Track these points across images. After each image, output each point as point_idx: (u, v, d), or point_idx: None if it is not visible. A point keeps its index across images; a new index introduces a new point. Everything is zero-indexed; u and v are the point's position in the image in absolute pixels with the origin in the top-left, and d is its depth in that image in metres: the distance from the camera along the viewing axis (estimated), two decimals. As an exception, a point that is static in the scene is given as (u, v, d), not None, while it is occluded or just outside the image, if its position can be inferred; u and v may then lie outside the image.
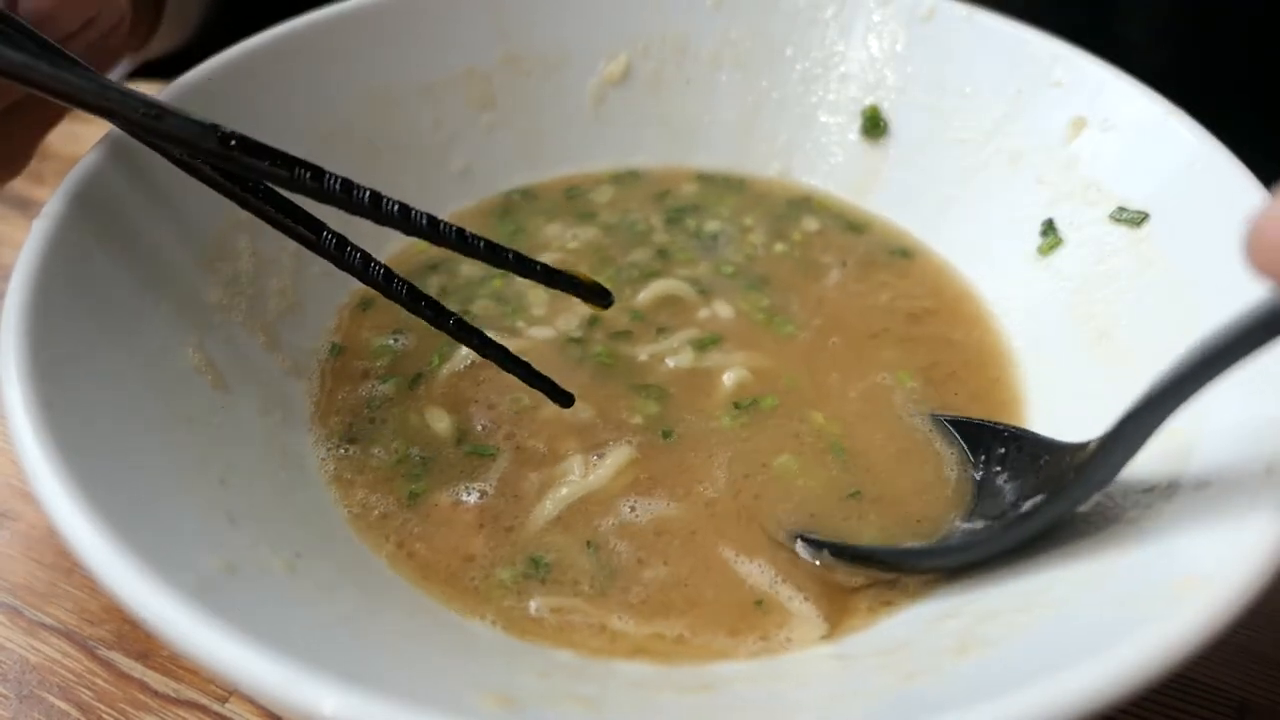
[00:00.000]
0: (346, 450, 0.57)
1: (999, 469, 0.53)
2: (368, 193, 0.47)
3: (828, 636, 0.49)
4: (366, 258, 0.52)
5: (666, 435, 0.57)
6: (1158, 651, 0.34)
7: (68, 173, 0.52)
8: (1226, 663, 0.53)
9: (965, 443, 0.56)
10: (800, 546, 0.52)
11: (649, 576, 0.51)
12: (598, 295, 0.53)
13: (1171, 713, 0.51)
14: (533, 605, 0.50)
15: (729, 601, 0.50)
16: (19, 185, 0.84)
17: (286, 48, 0.64)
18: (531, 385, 0.55)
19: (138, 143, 0.55)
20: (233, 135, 0.47)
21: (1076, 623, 0.41)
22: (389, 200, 0.47)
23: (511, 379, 0.55)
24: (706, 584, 0.51)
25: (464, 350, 0.61)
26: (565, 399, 0.56)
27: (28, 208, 0.83)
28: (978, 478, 0.54)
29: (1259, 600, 0.36)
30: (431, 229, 0.48)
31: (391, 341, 0.63)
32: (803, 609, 0.50)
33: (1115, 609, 0.40)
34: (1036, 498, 0.47)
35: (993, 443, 0.54)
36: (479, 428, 0.57)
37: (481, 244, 0.49)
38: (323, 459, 0.56)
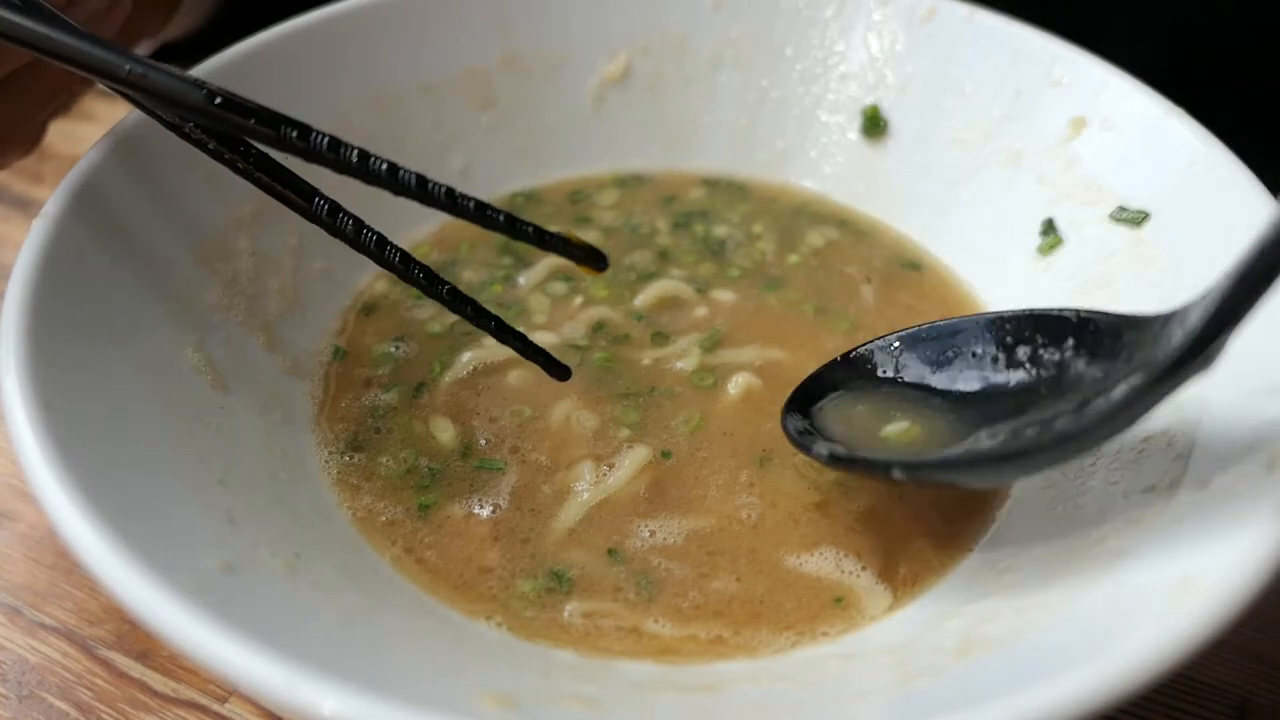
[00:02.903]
0: (352, 457, 0.57)
1: (1069, 355, 0.47)
2: (355, 150, 0.46)
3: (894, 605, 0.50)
4: (360, 224, 0.52)
5: (674, 441, 0.57)
6: (1158, 652, 0.34)
7: (67, 173, 0.52)
8: (1226, 663, 0.53)
9: (1008, 338, 0.50)
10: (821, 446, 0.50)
11: (691, 578, 0.51)
12: (592, 258, 0.51)
13: (1171, 713, 0.51)
14: (566, 610, 0.50)
15: (799, 595, 0.50)
16: (19, 185, 0.84)
17: (286, 47, 0.64)
18: (527, 358, 0.55)
19: (138, 143, 0.55)
20: (218, 92, 0.46)
21: (1077, 623, 0.41)
22: (376, 158, 0.47)
23: (510, 388, 0.55)
24: (757, 582, 0.51)
25: (465, 357, 0.61)
26: (562, 372, 0.56)
27: (28, 207, 0.83)
28: (1003, 380, 0.50)
29: (1259, 600, 0.36)
30: (420, 189, 0.47)
31: (393, 349, 0.63)
32: (864, 582, 0.50)
33: (1115, 609, 0.40)
34: (1133, 379, 0.41)
35: (1046, 332, 0.49)
36: (482, 442, 0.57)
37: (471, 204, 0.48)
38: (325, 462, 0.56)
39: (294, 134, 0.46)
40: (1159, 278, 0.56)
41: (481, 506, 0.54)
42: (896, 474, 0.47)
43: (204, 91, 0.46)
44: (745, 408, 0.59)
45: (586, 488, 0.54)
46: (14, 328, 0.45)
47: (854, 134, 0.73)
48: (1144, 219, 0.58)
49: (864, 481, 0.54)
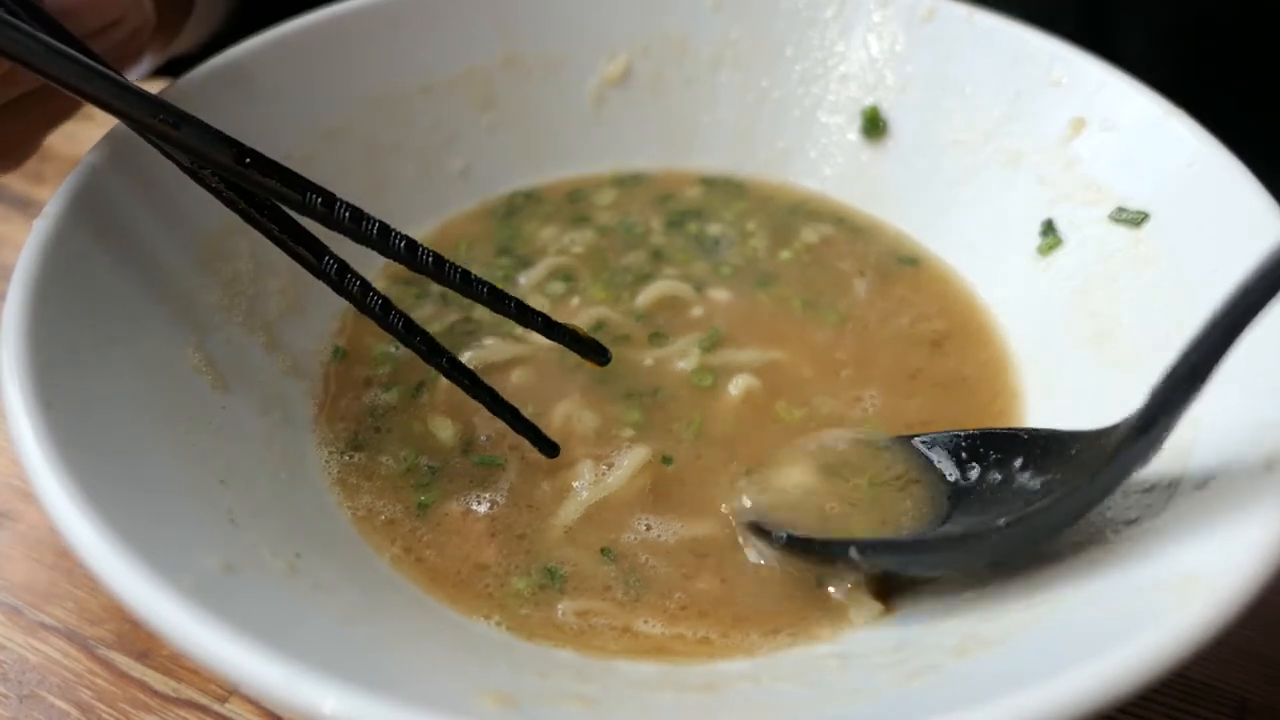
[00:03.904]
0: (352, 457, 0.57)
1: (1013, 468, 0.50)
2: (376, 224, 0.48)
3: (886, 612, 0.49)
4: (366, 286, 0.52)
5: (675, 444, 0.57)
6: (1158, 652, 0.34)
7: (68, 173, 0.52)
8: (1226, 663, 0.53)
9: (964, 453, 0.53)
10: (756, 540, 0.52)
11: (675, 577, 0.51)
12: (595, 351, 0.55)
13: (1171, 713, 0.51)
14: (560, 609, 0.50)
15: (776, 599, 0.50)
16: (19, 185, 0.84)
17: (287, 47, 0.65)
18: (517, 431, 0.55)
19: (138, 144, 0.55)
20: (249, 153, 0.47)
21: (1077, 623, 0.41)
22: (397, 234, 0.48)
23: (512, 385, 0.55)
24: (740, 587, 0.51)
25: (465, 356, 0.61)
26: (550, 449, 0.55)
27: (28, 208, 0.83)
28: (963, 483, 0.51)
29: (1259, 601, 0.36)
30: (436, 268, 0.49)
31: (393, 349, 0.63)
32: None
33: (1115, 609, 0.40)
34: (1066, 484, 0.45)
35: (999, 448, 0.51)
36: (483, 438, 0.57)
37: (485, 290, 0.51)
38: (326, 462, 0.56)
39: (318, 200, 0.47)
40: (1159, 278, 0.56)
41: (480, 503, 0.54)
42: (853, 554, 0.48)
43: (234, 150, 0.47)
44: (745, 409, 0.59)
45: (585, 486, 0.54)
46: (15, 328, 0.45)
47: (854, 134, 0.73)
48: (1143, 219, 0.58)
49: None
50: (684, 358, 0.62)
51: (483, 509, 0.54)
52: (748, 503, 0.53)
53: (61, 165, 0.82)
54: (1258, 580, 0.36)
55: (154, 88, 0.53)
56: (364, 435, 0.58)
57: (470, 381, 0.54)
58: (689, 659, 0.48)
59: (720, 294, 0.66)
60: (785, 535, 0.51)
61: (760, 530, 0.52)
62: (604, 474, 0.55)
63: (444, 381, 0.60)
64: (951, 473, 0.52)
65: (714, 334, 0.63)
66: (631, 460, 0.55)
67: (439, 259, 0.49)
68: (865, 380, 0.61)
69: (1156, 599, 0.39)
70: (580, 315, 0.64)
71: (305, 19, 0.65)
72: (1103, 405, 0.55)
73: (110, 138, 0.54)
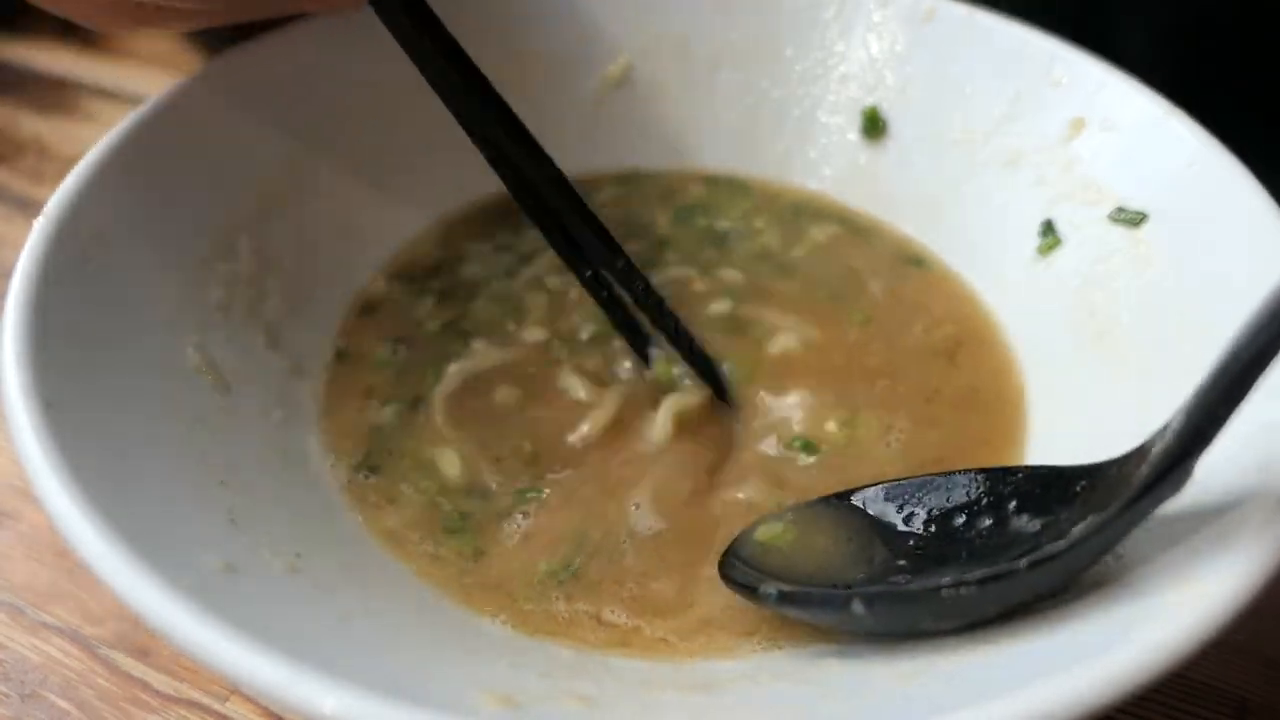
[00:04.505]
0: (353, 456, 0.57)
1: (1006, 511, 0.46)
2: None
3: None
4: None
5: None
6: (1157, 653, 0.35)
7: (68, 173, 0.52)
8: (1226, 663, 0.53)
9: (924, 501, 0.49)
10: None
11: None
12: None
13: (1171, 713, 0.51)
14: (554, 598, 0.50)
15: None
16: (20, 185, 0.84)
17: (286, 47, 0.65)
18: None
19: (138, 144, 0.55)
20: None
21: (1076, 623, 0.41)
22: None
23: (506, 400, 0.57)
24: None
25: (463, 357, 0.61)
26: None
27: (28, 208, 0.83)
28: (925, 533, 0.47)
29: (1259, 601, 0.36)
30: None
31: (394, 353, 0.63)
32: None
33: (1114, 610, 0.40)
34: (1087, 521, 0.41)
35: (988, 490, 0.47)
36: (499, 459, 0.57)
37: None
38: (329, 464, 0.56)
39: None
40: (1159, 278, 0.56)
41: (518, 522, 0.54)
42: (856, 607, 0.44)
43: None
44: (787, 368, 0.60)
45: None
46: (15, 328, 0.45)
47: (854, 134, 0.73)
48: (1143, 219, 0.58)
49: None
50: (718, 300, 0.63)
51: (522, 526, 0.54)
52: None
53: (61, 165, 0.82)
54: (1258, 580, 0.37)
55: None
56: (375, 454, 0.57)
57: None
58: (693, 658, 0.48)
59: (733, 274, 0.66)
60: (775, 592, 0.46)
61: (748, 590, 0.48)
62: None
63: (445, 384, 0.60)
64: (905, 524, 0.48)
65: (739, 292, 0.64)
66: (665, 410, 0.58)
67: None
68: (895, 401, 0.60)
69: (1156, 599, 0.39)
70: (583, 315, 0.64)
71: (304, 19, 0.65)
72: (1104, 407, 0.55)
73: (110, 137, 0.54)
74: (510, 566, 0.52)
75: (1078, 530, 0.41)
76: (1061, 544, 0.41)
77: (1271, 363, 0.36)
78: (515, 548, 0.52)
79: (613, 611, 0.50)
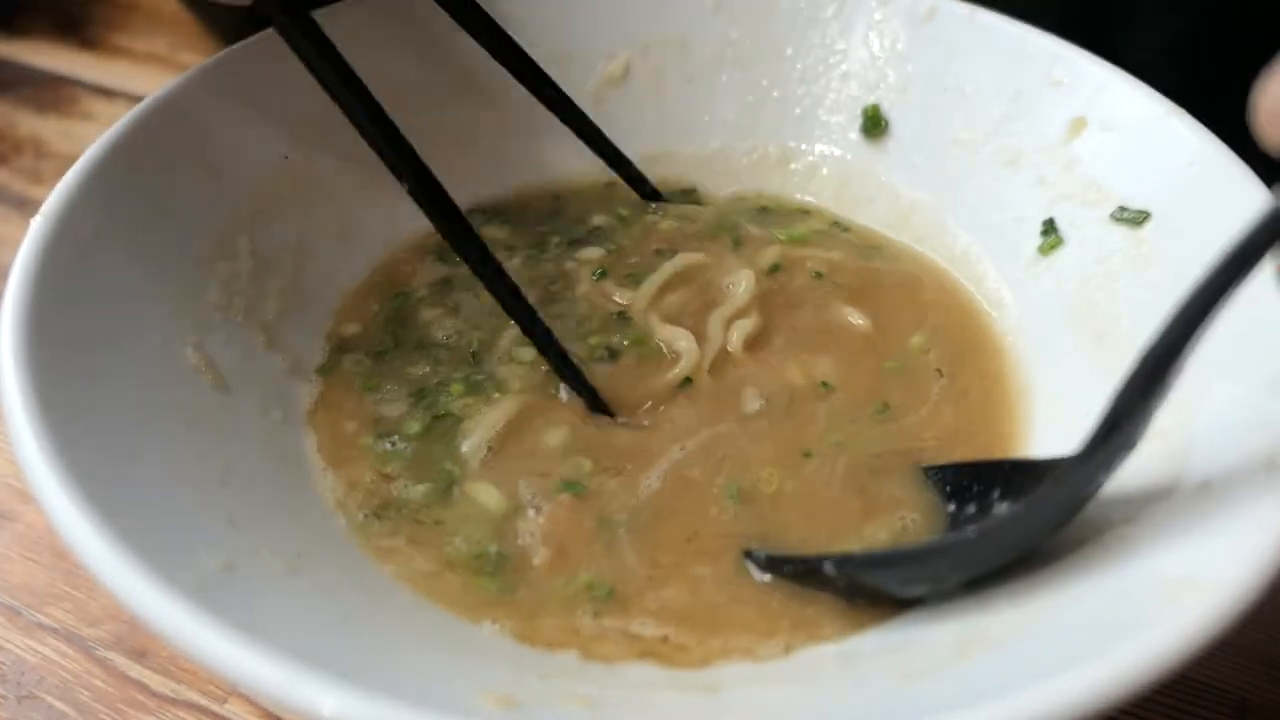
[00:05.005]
0: (353, 457, 0.56)
1: (991, 499, 0.50)
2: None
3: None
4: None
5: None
6: (1158, 653, 0.34)
7: (66, 172, 0.52)
8: (1226, 663, 0.53)
9: (955, 486, 0.53)
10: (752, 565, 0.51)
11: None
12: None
13: (1171, 713, 0.51)
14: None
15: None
16: (19, 185, 0.84)
17: (286, 47, 0.64)
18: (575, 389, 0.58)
19: (136, 143, 0.55)
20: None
21: (1076, 623, 0.41)
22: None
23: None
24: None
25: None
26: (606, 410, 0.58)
27: (27, 207, 0.83)
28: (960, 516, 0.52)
29: (1259, 600, 0.36)
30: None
31: (390, 355, 0.62)
32: None
33: (1115, 610, 0.40)
34: (1012, 506, 0.46)
35: (988, 479, 0.52)
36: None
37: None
38: (327, 463, 0.56)
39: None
40: (1159, 278, 0.56)
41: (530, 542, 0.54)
42: (828, 568, 0.48)
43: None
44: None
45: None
46: (13, 328, 0.45)
47: (854, 134, 0.73)
48: (1144, 219, 0.58)
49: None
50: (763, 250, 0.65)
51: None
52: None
53: (60, 164, 0.82)
54: (1258, 580, 0.36)
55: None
56: (365, 435, 0.57)
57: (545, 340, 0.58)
58: (693, 660, 0.48)
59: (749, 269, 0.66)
60: (765, 555, 0.50)
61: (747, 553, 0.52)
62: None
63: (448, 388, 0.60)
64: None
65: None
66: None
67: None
68: (895, 400, 0.60)
69: (1156, 599, 0.39)
70: (581, 313, 0.64)
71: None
72: (1103, 405, 0.55)
73: (108, 136, 0.54)
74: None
75: (1016, 509, 0.47)
76: (1010, 513, 0.47)
77: (1180, 360, 0.40)
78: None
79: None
